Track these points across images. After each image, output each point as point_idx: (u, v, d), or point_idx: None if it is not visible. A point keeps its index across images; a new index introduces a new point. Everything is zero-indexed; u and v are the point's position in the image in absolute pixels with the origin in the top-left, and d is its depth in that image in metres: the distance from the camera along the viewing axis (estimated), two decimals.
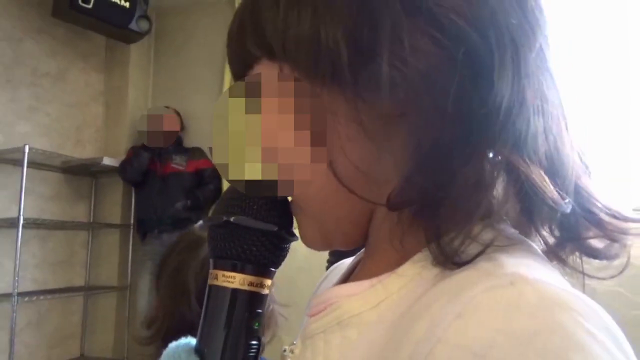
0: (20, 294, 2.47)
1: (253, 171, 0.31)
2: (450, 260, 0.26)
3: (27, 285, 2.74)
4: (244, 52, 0.33)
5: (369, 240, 0.34)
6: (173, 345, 0.33)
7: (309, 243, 0.35)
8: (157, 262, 3.13)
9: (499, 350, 0.21)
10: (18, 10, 2.82)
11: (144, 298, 2.84)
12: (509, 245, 0.27)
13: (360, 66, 0.27)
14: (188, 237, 0.87)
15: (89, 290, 3.10)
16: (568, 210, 0.27)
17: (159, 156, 2.93)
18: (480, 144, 0.26)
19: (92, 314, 3.13)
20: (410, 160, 0.28)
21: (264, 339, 0.34)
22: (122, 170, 2.92)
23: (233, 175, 0.31)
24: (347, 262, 0.42)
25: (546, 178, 0.26)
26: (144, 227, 2.93)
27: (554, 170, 0.28)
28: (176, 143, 2.98)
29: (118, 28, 2.90)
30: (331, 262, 1.42)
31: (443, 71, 0.26)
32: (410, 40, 0.27)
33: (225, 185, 2.97)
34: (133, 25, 2.90)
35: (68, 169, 3.01)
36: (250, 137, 0.30)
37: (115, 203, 3.15)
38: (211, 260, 0.34)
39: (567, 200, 0.27)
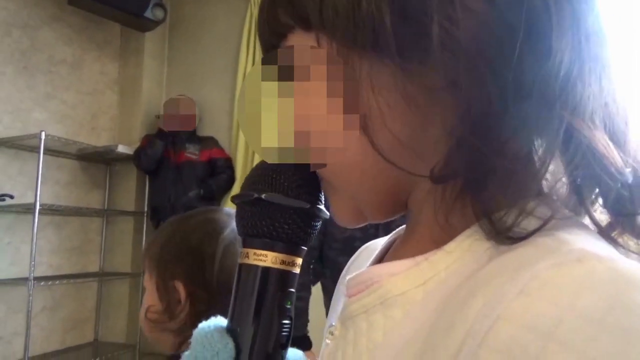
0: (36, 279, 2.51)
1: (285, 138, 0.30)
2: (504, 235, 0.25)
3: (42, 270, 2.79)
4: (276, 22, 0.31)
5: (410, 216, 0.33)
6: (204, 325, 0.33)
7: (341, 220, 0.34)
8: None
9: (567, 329, 0.19)
10: None
11: None
12: (565, 220, 0.26)
13: (406, 31, 0.26)
14: (208, 222, 0.79)
15: (103, 276, 3.14)
16: (630, 180, 0.25)
17: (172, 145, 2.94)
18: (538, 107, 0.25)
19: (106, 299, 3.18)
20: (457, 130, 0.27)
21: None
22: (137, 158, 2.94)
23: (265, 144, 0.31)
24: (380, 241, 0.41)
25: (610, 143, 0.25)
26: (158, 215, 2.95)
27: (614, 139, 0.26)
28: (190, 132, 2.99)
29: (133, 16, 2.91)
30: None
31: (496, 32, 0.25)
32: None
33: (239, 175, 2.98)
34: (148, 14, 2.91)
35: (83, 156, 3.04)
36: (283, 106, 0.30)
37: (130, 190, 3.18)
38: (241, 239, 0.34)
39: (629, 170, 0.25)
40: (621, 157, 0.25)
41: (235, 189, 2.97)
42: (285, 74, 0.30)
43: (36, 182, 2.49)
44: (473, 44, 0.25)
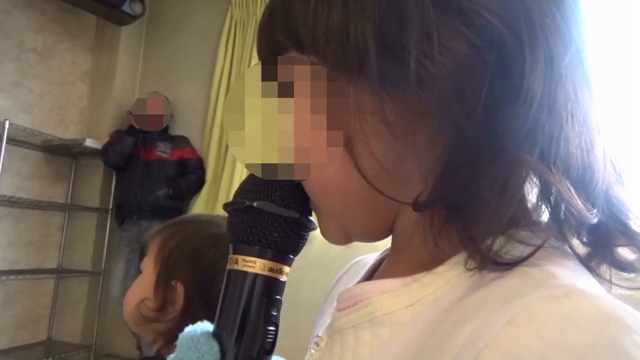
0: None
1: (269, 155, 0.31)
2: (492, 262, 0.26)
3: None
4: (273, 41, 0.32)
5: (397, 237, 0.34)
6: (190, 328, 0.33)
7: (329, 239, 0.35)
8: (134, 248, 3.00)
9: None
10: None
11: (118, 284, 2.79)
12: (553, 250, 0.27)
13: (388, 62, 0.27)
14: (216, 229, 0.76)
15: (61, 273, 3.03)
16: (593, 222, 0.26)
17: (143, 142, 2.89)
18: (507, 147, 0.25)
19: (63, 297, 3.07)
20: (435, 159, 0.28)
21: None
22: (105, 153, 2.87)
23: (250, 159, 0.31)
24: (371, 257, 0.41)
25: (571, 188, 0.26)
26: (123, 213, 2.88)
27: (583, 179, 0.27)
28: (162, 130, 2.94)
29: (110, 9, 2.85)
30: None
31: (472, 71, 0.26)
32: (440, 37, 0.26)
33: (209, 177, 2.95)
34: (126, 7, 2.85)
35: (48, 148, 2.94)
36: (269, 121, 0.31)
37: (95, 186, 3.09)
38: (231, 245, 0.34)
39: (593, 212, 0.26)
40: (583, 201, 0.26)
41: (205, 191, 2.94)
42: (271, 90, 0.30)
43: None
44: (449, 82, 0.26)
